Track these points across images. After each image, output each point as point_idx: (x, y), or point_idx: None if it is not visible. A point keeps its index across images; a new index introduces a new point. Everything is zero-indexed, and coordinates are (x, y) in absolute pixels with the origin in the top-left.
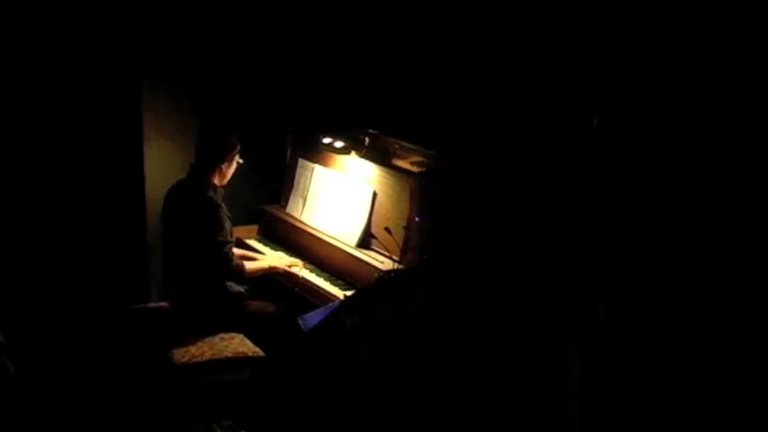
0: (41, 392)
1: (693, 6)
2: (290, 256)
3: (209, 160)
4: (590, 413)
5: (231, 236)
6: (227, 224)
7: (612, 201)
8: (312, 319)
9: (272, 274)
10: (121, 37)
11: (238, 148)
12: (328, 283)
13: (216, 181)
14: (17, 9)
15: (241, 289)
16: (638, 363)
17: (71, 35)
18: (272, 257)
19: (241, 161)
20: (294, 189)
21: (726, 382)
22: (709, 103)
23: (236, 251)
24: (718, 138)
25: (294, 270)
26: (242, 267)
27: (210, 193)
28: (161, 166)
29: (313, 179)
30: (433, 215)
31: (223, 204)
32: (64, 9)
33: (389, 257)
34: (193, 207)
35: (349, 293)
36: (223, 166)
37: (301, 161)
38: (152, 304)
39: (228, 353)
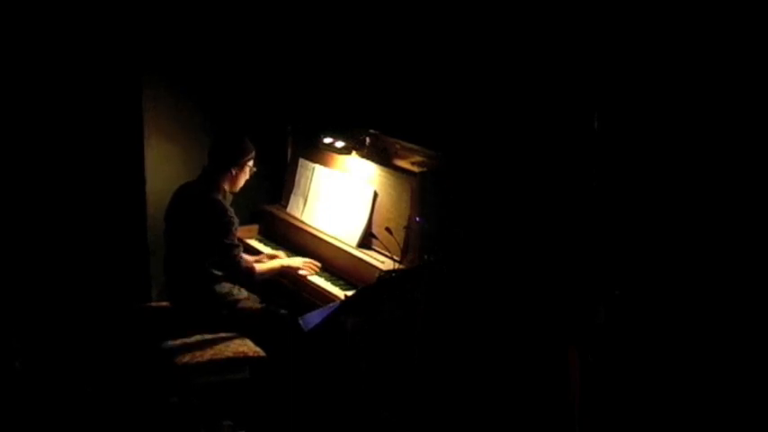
0: (43, 392)
1: (693, 6)
2: (291, 256)
3: (221, 165)
4: (590, 414)
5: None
6: (235, 227)
7: (613, 201)
8: (312, 319)
9: (280, 276)
10: (122, 36)
11: (252, 154)
12: (329, 283)
13: (226, 186)
14: (17, 7)
15: (245, 294)
16: (639, 364)
17: (71, 34)
18: (283, 258)
19: (255, 168)
20: (295, 189)
21: (725, 382)
22: (710, 103)
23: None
24: (719, 138)
25: (309, 268)
26: (252, 269)
27: (219, 196)
28: (161, 166)
29: (314, 179)
30: (433, 215)
31: (230, 208)
32: (63, 7)
33: (390, 257)
34: (201, 209)
35: (349, 293)
36: (234, 171)
37: (302, 161)
38: (152, 304)
39: (228, 353)
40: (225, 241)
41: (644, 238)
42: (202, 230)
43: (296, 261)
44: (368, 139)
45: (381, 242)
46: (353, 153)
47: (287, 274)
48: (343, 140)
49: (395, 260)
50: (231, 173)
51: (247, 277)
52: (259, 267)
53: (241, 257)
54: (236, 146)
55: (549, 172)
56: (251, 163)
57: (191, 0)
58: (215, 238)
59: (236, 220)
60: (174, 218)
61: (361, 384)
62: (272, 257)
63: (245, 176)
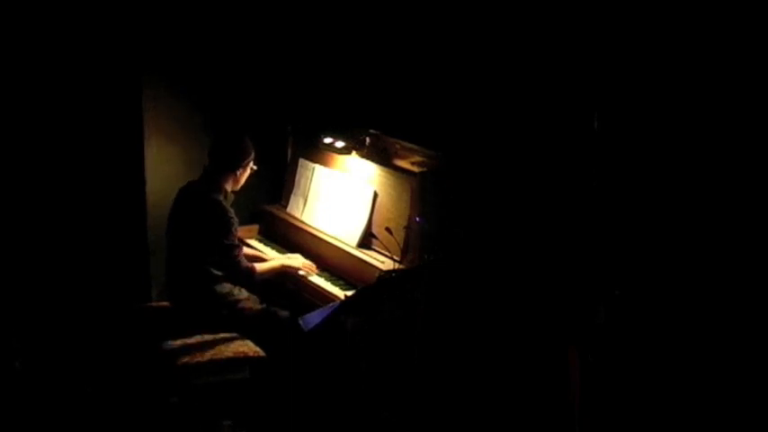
0: (43, 392)
1: (693, 6)
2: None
3: (223, 166)
4: (590, 414)
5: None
6: (235, 228)
7: (613, 201)
8: (312, 319)
9: (280, 276)
10: (121, 36)
11: (253, 155)
12: (329, 283)
13: (228, 186)
14: (17, 7)
15: (245, 294)
16: (639, 364)
17: (70, 33)
18: (283, 257)
19: (255, 167)
20: (295, 189)
21: (726, 382)
22: (710, 103)
23: (247, 251)
24: (719, 138)
25: (308, 269)
26: (252, 269)
27: (219, 197)
28: (161, 166)
29: (314, 179)
30: (433, 215)
31: (231, 208)
32: (63, 6)
33: (390, 257)
34: (201, 209)
35: (349, 293)
36: (238, 172)
37: (302, 161)
38: (152, 304)
39: (228, 353)
40: (225, 242)
41: (644, 239)
42: (202, 231)
43: (296, 261)
44: (368, 139)
45: (381, 242)
46: (353, 153)
47: (287, 273)
48: (343, 140)
49: (395, 260)
50: (235, 174)
51: (247, 277)
52: (259, 267)
53: (241, 258)
54: (238, 147)
55: (549, 172)
56: (252, 163)
57: (190, 0)
58: (215, 238)
59: (236, 221)
60: (175, 217)
61: (361, 384)
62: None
63: (246, 175)
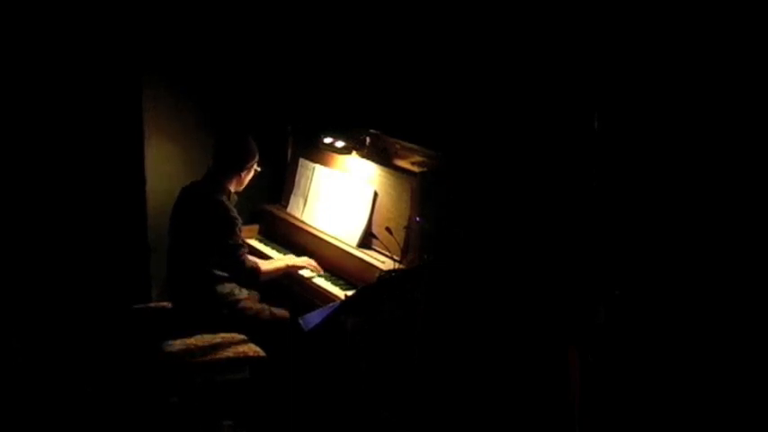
0: (44, 392)
1: (693, 6)
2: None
3: (227, 167)
4: (590, 414)
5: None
6: (239, 227)
7: (614, 201)
8: (312, 319)
9: (286, 276)
10: (122, 35)
11: (257, 156)
12: (329, 283)
13: (232, 187)
14: (17, 7)
15: (245, 294)
16: (639, 364)
17: (70, 33)
18: (288, 257)
19: (259, 169)
20: (295, 189)
21: (725, 382)
22: (710, 103)
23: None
24: (719, 138)
25: (314, 268)
26: (257, 269)
27: (223, 197)
28: (161, 165)
29: (314, 179)
30: (433, 215)
31: (234, 209)
32: (63, 6)
33: (390, 257)
34: (204, 210)
35: (349, 293)
36: (242, 174)
37: (302, 161)
38: (152, 304)
39: (229, 353)
40: (229, 242)
41: (644, 239)
42: (206, 231)
43: (301, 261)
44: (368, 139)
45: (381, 242)
46: (353, 153)
47: (292, 274)
48: (344, 140)
49: (395, 260)
50: (240, 175)
51: (252, 277)
52: (264, 267)
53: (246, 257)
54: (243, 149)
55: (550, 172)
56: (256, 164)
57: (191, 0)
58: (219, 239)
59: (239, 221)
60: (178, 217)
61: (361, 384)
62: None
63: (250, 176)
